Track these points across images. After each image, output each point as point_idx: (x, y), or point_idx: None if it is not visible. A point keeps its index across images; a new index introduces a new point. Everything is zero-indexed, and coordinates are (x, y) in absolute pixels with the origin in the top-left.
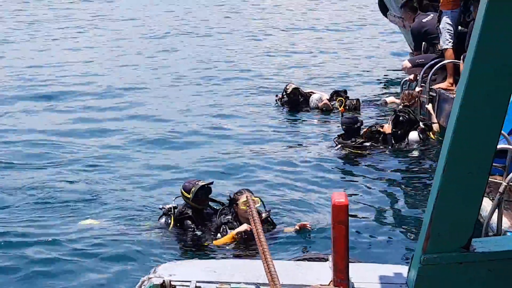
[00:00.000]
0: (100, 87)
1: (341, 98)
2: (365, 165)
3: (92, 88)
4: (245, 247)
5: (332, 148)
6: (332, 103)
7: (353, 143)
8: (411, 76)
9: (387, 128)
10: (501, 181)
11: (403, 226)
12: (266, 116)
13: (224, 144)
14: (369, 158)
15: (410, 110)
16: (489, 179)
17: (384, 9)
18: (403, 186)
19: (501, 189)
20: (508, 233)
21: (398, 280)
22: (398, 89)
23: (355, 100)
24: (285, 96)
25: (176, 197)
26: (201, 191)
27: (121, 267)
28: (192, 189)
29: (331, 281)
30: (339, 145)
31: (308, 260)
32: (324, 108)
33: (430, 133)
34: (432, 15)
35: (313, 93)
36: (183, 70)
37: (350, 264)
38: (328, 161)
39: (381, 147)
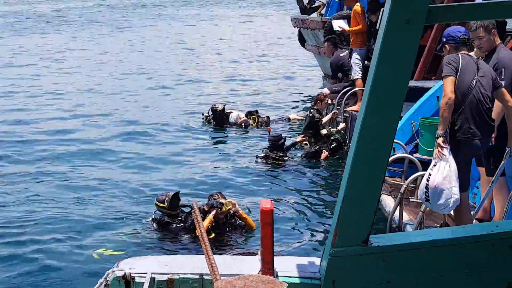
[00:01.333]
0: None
1: (254, 116)
2: (286, 173)
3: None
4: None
5: (258, 159)
6: (248, 121)
7: (275, 155)
8: (325, 90)
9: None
10: (401, 183)
11: (317, 225)
12: (200, 132)
13: (164, 159)
14: (289, 168)
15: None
16: (391, 181)
17: (302, 41)
18: (317, 190)
19: (402, 190)
20: (408, 226)
21: (313, 269)
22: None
23: (265, 117)
24: (211, 114)
25: (155, 211)
26: (174, 199)
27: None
28: (166, 199)
29: (260, 270)
30: (264, 156)
31: (242, 255)
32: (243, 124)
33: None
34: (346, 51)
35: (231, 112)
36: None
37: (275, 257)
38: (256, 170)
39: (296, 159)
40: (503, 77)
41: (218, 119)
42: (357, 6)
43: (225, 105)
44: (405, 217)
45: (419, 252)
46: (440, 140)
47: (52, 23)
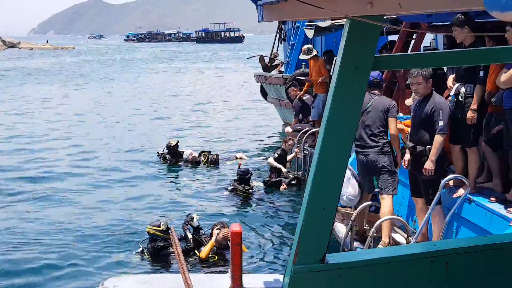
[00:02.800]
0: None
1: (204, 153)
2: (253, 202)
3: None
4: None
5: (227, 191)
6: (199, 158)
7: (243, 188)
8: (287, 128)
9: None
10: (351, 212)
11: (281, 246)
12: (160, 169)
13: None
14: (256, 198)
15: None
16: (343, 210)
17: (264, 94)
18: (279, 216)
19: (352, 218)
20: (358, 249)
21: (277, 285)
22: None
23: (215, 155)
24: (166, 151)
25: (142, 241)
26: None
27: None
28: (162, 224)
29: (230, 286)
30: (232, 188)
31: (214, 273)
32: (193, 161)
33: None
34: (308, 96)
35: (184, 150)
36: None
37: (244, 275)
38: (226, 201)
39: (261, 191)
40: (441, 118)
41: (173, 155)
42: (321, 59)
43: (178, 141)
44: (355, 241)
45: (367, 268)
46: None
47: (37, 75)
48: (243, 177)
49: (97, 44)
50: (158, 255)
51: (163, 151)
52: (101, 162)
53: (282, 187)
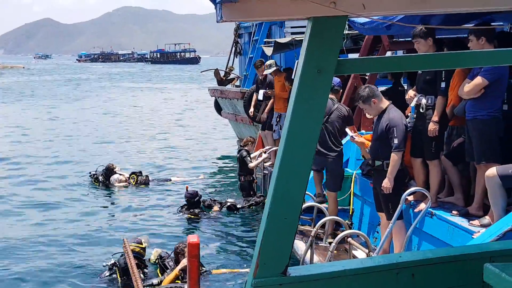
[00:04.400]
0: None
1: (134, 175)
2: (208, 223)
3: None
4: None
5: (176, 214)
6: (129, 179)
7: (191, 213)
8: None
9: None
10: (310, 229)
11: (239, 260)
12: (91, 190)
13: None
14: (204, 220)
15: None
16: (302, 228)
17: (218, 109)
18: (234, 232)
19: (312, 233)
20: None
21: None
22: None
23: (145, 176)
24: (97, 173)
25: (113, 254)
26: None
27: None
28: (144, 240)
29: None
30: (183, 211)
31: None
32: (123, 185)
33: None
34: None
35: (115, 172)
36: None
37: None
38: (176, 223)
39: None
40: (396, 135)
41: (107, 176)
42: (284, 74)
43: (116, 167)
44: (315, 258)
45: (331, 280)
46: None
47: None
48: (191, 199)
49: (47, 63)
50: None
51: (95, 171)
52: (34, 182)
53: (215, 208)
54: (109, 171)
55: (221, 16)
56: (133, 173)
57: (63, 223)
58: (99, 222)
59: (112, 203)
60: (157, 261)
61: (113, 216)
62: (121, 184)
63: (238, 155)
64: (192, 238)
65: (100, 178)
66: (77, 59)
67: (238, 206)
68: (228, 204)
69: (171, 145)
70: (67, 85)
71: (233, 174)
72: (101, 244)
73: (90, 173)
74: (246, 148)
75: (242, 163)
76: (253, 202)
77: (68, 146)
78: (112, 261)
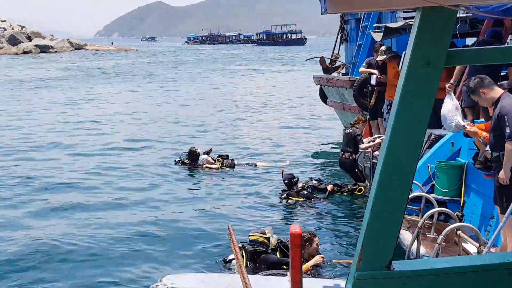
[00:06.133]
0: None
1: (219, 158)
2: (308, 207)
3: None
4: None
5: (279, 199)
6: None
7: (294, 191)
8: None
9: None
10: (418, 219)
11: (342, 250)
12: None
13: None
14: (309, 203)
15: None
16: (409, 218)
17: (323, 97)
18: (342, 220)
19: (419, 225)
20: (425, 257)
21: None
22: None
23: (230, 160)
24: (181, 157)
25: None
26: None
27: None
28: (267, 230)
29: None
30: (285, 195)
31: (273, 275)
32: (207, 166)
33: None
34: None
35: (199, 154)
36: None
37: (303, 278)
38: (280, 207)
39: (315, 195)
40: (507, 124)
41: (192, 160)
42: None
43: (202, 150)
44: (422, 250)
45: (438, 277)
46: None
47: (105, 75)
48: (290, 180)
49: (157, 46)
50: (256, 259)
51: (179, 157)
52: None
53: (329, 187)
54: (192, 154)
55: (325, 8)
56: (219, 156)
57: (162, 210)
58: (199, 207)
59: (206, 187)
60: (277, 246)
61: (210, 201)
62: (211, 165)
63: (349, 130)
64: (295, 228)
65: (186, 161)
66: (186, 41)
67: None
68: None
69: (267, 129)
70: (178, 67)
71: (332, 166)
72: (206, 230)
73: (175, 161)
74: (356, 126)
75: (351, 140)
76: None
77: (167, 128)
78: (240, 245)
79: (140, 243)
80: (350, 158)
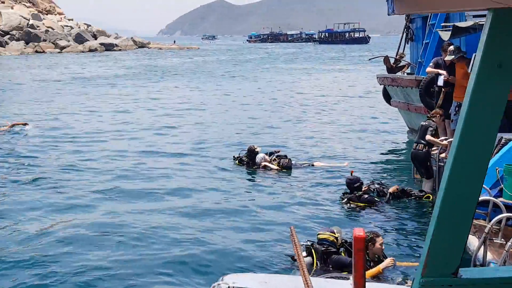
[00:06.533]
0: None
1: (276, 157)
2: (370, 212)
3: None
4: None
5: (340, 203)
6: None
7: (355, 196)
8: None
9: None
10: (485, 224)
11: (405, 255)
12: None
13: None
14: (371, 208)
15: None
16: (475, 222)
17: (387, 97)
18: (405, 224)
19: (486, 230)
20: (492, 264)
21: None
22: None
23: (287, 160)
24: (240, 155)
25: (307, 240)
26: None
27: (196, 273)
28: (336, 230)
29: None
30: (345, 199)
31: (335, 278)
32: (264, 167)
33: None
34: None
35: (256, 151)
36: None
37: (367, 283)
38: (340, 210)
39: (377, 200)
40: None
41: (251, 158)
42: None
43: (261, 148)
44: (489, 256)
45: (506, 287)
46: None
47: (173, 73)
48: (351, 185)
49: (219, 44)
50: (326, 258)
51: (239, 154)
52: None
53: (392, 188)
54: (251, 152)
55: (392, 9)
56: (277, 156)
57: (220, 208)
58: (257, 207)
59: (263, 187)
60: (342, 246)
61: (269, 201)
62: (269, 165)
63: (424, 123)
64: (358, 232)
65: (244, 159)
66: (247, 40)
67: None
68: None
69: (326, 129)
70: (239, 65)
71: (394, 169)
72: (266, 230)
73: (233, 156)
74: (433, 119)
75: (425, 132)
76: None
77: (226, 126)
78: (308, 243)
79: (202, 241)
80: (424, 150)
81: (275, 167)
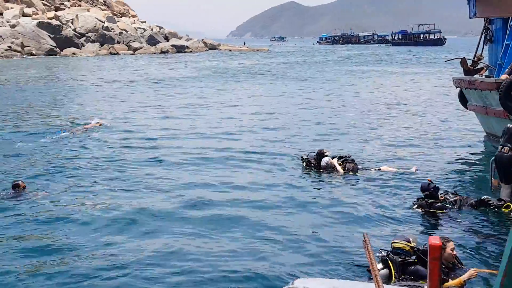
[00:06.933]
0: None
1: (344, 161)
2: (441, 219)
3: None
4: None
5: (410, 208)
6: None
7: (426, 203)
8: None
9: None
10: None
11: (484, 264)
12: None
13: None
14: (442, 215)
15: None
16: None
17: (463, 101)
18: (480, 232)
19: None
20: None
21: None
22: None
23: (353, 164)
24: (308, 157)
25: (381, 249)
26: None
27: (266, 275)
28: (412, 239)
29: None
30: (416, 205)
31: (408, 287)
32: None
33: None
34: None
35: (325, 155)
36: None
37: None
38: (410, 216)
39: (449, 206)
40: None
41: (318, 161)
42: None
43: (330, 152)
44: None
45: None
46: None
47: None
48: (426, 191)
49: (289, 46)
50: (404, 269)
51: (307, 156)
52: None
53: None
54: (320, 155)
55: (474, 12)
56: (342, 158)
57: (285, 210)
58: (322, 210)
59: (330, 191)
60: (413, 253)
61: (337, 205)
62: (336, 168)
63: (511, 125)
64: (434, 240)
65: (312, 162)
66: (317, 41)
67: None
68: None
69: (396, 133)
70: (309, 67)
71: (471, 178)
72: (334, 234)
73: (301, 157)
74: None
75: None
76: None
77: (297, 128)
78: (384, 254)
79: (271, 240)
80: (509, 153)
81: (341, 170)
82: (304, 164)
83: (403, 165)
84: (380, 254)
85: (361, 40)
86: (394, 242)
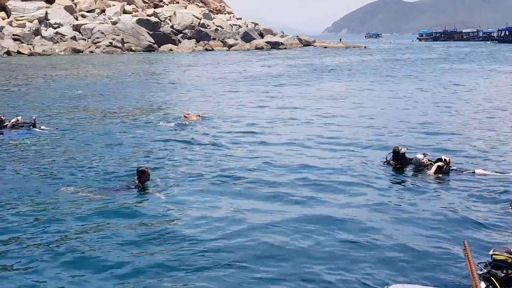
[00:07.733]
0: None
1: (439, 162)
2: None
3: None
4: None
5: (507, 213)
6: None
7: None
8: None
9: None
10: None
11: None
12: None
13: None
14: None
15: None
16: None
17: None
18: None
19: None
20: None
21: None
22: None
23: (445, 166)
24: (387, 158)
25: (479, 263)
26: None
27: (358, 280)
28: None
29: None
30: None
31: None
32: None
33: None
34: None
35: (401, 153)
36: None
37: None
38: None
39: None
40: None
41: (398, 161)
42: None
43: (406, 148)
44: None
45: None
46: None
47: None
48: None
49: (384, 42)
50: (508, 285)
51: (386, 157)
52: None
53: None
54: (396, 154)
55: None
56: (438, 159)
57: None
58: (411, 211)
59: (420, 192)
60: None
61: (426, 207)
62: (429, 168)
63: None
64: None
65: (392, 162)
66: (417, 38)
67: None
68: None
69: (493, 134)
70: (408, 65)
71: None
72: (427, 240)
73: (382, 162)
74: None
75: None
76: None
77: (390, 127)
78: (485, 271)
79: (361, 245)
80: None
81: (433, 170)
82: (386, 164)
83: (499, 169)
84: (482, 272)
85: (465, 37)
86: (494, 254)
